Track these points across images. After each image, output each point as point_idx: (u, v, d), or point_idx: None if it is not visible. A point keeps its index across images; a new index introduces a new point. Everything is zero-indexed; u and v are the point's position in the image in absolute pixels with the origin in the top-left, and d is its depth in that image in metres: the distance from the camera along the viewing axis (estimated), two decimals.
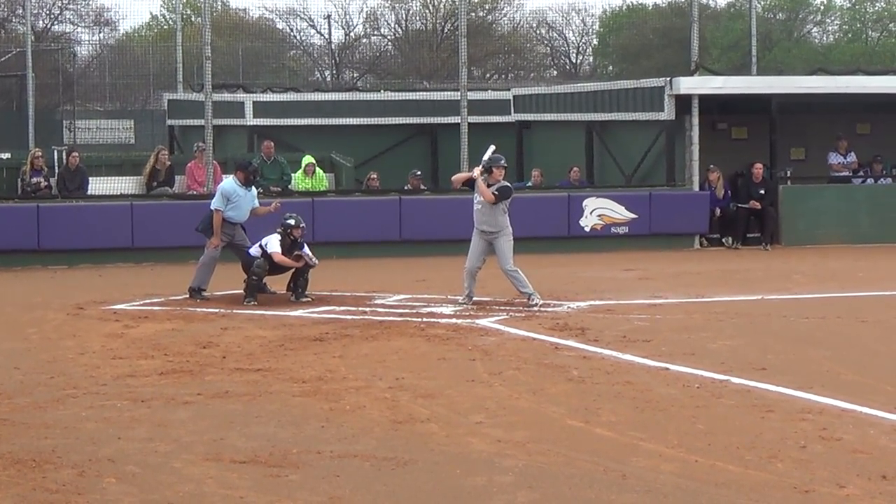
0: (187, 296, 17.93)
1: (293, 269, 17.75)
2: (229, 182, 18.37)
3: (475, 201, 17.25)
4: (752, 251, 25.12)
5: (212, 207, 18.26)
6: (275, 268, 17.71)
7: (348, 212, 24.07)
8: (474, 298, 17.19)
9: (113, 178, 25.68)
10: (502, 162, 17.32)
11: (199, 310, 17.04)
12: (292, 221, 17.75)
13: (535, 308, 16.70)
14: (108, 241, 22.94)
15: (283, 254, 17.55)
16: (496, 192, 17.05)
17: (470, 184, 17.42)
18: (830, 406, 10.95)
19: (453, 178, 18.23)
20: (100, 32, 51.42)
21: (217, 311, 16.91)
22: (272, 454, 9.41)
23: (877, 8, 60.14)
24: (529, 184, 26.97)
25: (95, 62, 48.47)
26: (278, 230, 17.73)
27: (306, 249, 17.79)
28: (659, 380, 12.19)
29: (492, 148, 17.67)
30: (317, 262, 17.89)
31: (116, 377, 12.44)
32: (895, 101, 26.86)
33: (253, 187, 18.42)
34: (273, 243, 17.59)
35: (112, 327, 15.62)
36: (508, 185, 17.37)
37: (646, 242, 24.90)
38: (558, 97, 29.58)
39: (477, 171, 17.25)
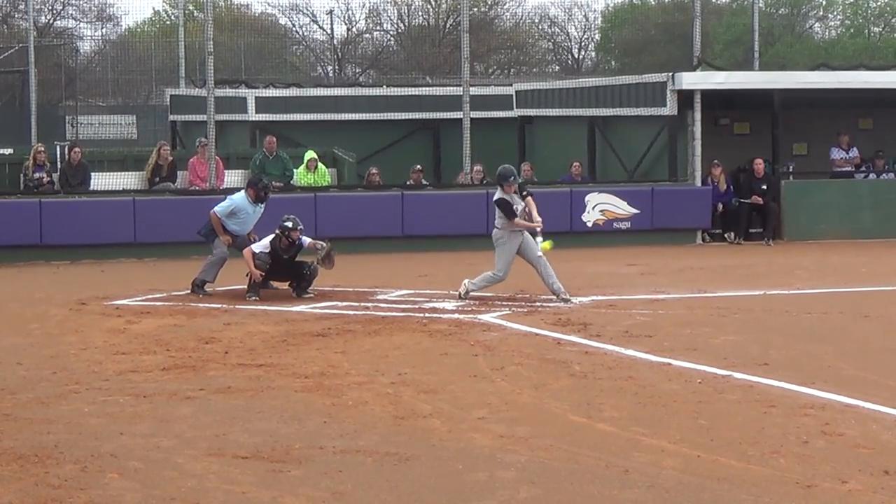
0: (189, 290, 17.94)
1: (294, 273, 17.73)
2: (241, 197, 18.32)
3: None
4: (754, 246, 25.10)
5: (213, 210, 18.27)
6: (274, 271, 17.68)
7: (350, 207, 24.05)
8: (476, 294, 17.15)
9: (115, 173, 25.67)
10: (511, 179, 17.22)
11: (201, 305, 17.04)
12: (289, 224, 17.62)
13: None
14: (110, 236, 22.92)
15: (276, 253, 17.48)
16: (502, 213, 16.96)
17: (506, 208, 17.05)
18: (833, 401, 10.94)
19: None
20: (102, 28, 51.48)
21: (219, 306, 16.90)
22: (274, 450, 9.41)
23: (879, 3, 60.12)
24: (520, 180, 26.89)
25: (98, 58, 48.51)
26: (276, 231, 17.68)
27: (305, 240, 17.74)
28: (661, 375, 12.18)
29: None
30: (326, 261, 17.81)
31: (119, 373, 12.44)
32: None
33: (261, 205, 18.39)
34: (262, 242, 17.57)
35: (114, 323, 15.63)
36: (499, 197, 17.10)
37: (648, 238, 24.87)
38: (560, 92, 29.56)
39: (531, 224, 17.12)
